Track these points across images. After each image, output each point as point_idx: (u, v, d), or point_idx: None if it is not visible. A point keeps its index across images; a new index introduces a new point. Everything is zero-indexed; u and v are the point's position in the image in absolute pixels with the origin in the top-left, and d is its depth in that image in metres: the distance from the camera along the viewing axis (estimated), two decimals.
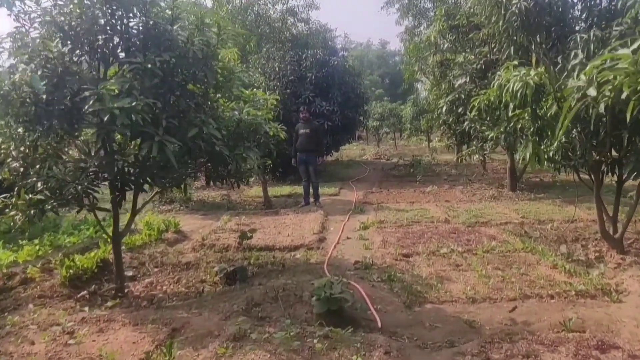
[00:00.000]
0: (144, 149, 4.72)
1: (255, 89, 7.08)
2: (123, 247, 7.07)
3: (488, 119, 9.70)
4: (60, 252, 6.79)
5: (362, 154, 27.52)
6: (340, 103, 14.96)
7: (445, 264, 6.23)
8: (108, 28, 4.94)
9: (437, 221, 8.83)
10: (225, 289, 5.73)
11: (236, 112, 5.89)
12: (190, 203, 11.40)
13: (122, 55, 5.19)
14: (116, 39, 5.07)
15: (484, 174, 15.55)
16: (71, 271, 5.87)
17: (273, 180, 15.42)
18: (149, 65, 4.80)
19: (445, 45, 12.68)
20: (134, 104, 4.46)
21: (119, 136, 5.24)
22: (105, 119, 4.34)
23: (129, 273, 6.40)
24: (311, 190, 11.05)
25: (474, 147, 11.24)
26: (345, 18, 71.66)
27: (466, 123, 10.82)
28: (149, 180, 5.20)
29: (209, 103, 5.79)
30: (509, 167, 12.20)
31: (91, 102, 4.30)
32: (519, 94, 6.27)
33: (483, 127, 10.46)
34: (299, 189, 12.03)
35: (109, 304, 5.16)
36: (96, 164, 4.96)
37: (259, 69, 15.03)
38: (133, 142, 5.40)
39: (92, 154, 5.14)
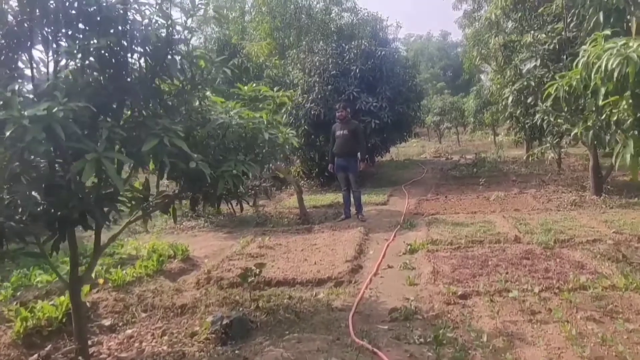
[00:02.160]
0: (74, 171, 3.36)
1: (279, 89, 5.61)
2: (109, 285, 5.81)
3: (566, 109, 7.81)
4: (32, 292, 5.60)
5: (421, 152, 25.59)
6: (389, 98, 13.28)
7: (516, 311, 4.53)
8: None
9: (505, 240, 7.05)
10: (216, 350, 4.32)
11: (222, 115, 4.43)
12: (218, 218, 10.11)
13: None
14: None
15: (560, 174, 13.41)
16: (29, 324, 4.64)
17: (317, 187, 13.95)
18: (78, 55, 3.44)
19: (510, 25, 10.75)
20: (54, 110, 3.10)
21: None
22: (9, 133, 2.99)
23: (107, 322, 5.12)
24: (352, 200, 9.50)
25: (547, 144, 9.29)
26: (403, 9, 69.19)
27: (538, 116, 8.92)
28: (95, 215, 3.81)
29: (192, 105, 4.38)
30: (591, 165, 10.14)
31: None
32: (615, 74, 4.49)
33: (559, 120, 8.57)
34: (341, 198, 10.49)
35: None
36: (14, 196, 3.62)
37: (298, 64, 13.60)
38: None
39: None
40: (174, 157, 3.94)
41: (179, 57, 4.13)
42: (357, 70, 13.06)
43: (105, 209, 3.72)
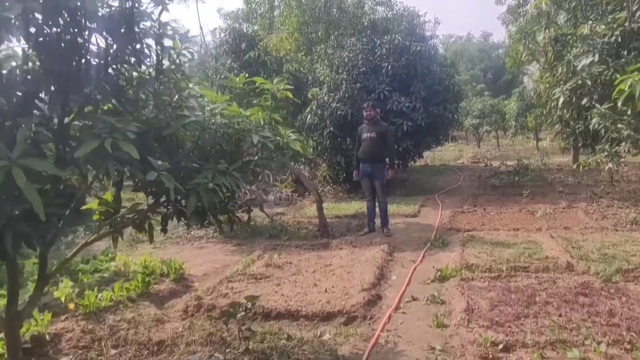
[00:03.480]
0: None
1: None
2: (79, 313, 4.94)
3: (630, 112, 6.61)
4: None
5: (458, 157, 24.25)
6: (423, 98, 12.14)
7: None
8: None
9: (555, 267, 5.89)
10: None
11: (197, 113, 3.48)
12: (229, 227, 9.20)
13: None
14: None
15: (613, 185, 12.03)
16: None
17: (343, 193, 12.91)
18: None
19: (562, 17, 9.50)
20: None
21: None
22: None
23: (66, 359, 4.25)
24: (378, 211, 8.45)
25: (606, 152, 8.03)
26: (443, 8, 67.35)
27: (595, 119, 7.69)
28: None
29: (160, 98, 3.47)
30: None
31: None
32: None
33: (620, 125, 7.34)
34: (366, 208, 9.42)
35: None
36: None
37: (325, 60, 12.61)
38: None
39: None
40: (128, 165, 3.03)
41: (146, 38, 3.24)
42: (389, 67, 11.97)
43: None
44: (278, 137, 3.99)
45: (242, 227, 9.05)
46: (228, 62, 8.62)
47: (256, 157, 3.86)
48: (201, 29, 9.32)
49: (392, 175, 8.27)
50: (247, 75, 8.96)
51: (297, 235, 8.54)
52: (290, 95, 4.40)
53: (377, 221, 8.50)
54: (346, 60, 12.13)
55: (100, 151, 2.74)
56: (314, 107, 11.66)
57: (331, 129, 11.60)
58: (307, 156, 10.99)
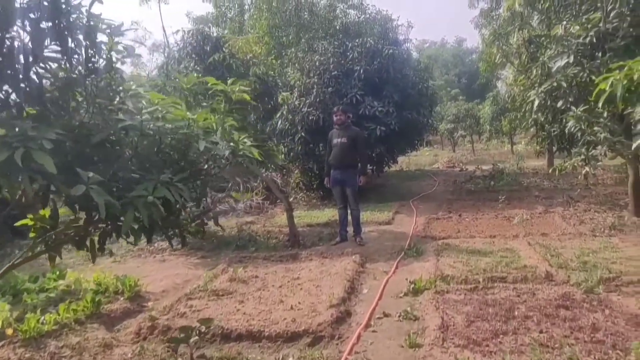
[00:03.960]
0: None
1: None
2: (18, 339, 4.47)
3: (605, 114, 6.39)
4: None
5: (433, 162, 24.07)
6: (397, 102, 11.85)
7: None
8: None
9: (534, 277, 5.60)
10: None
11: (137, 116, 3.08)
12: (195, 238, 8.78)
13: None
14: None
15: (589, 189, 11.90)
16: None
17: (317, 200, 12.54)
18: None
19: (536, 18, 9.30)
20: None
21: None
22: None
23: None
24: (350, 219, 8.11)
25: (582, 156, 7.81)
26: (417, 15, 67.77)
27: (571, 122, 7.47)
28: None
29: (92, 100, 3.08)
30: (631, 182, 8.65)
31: None
32: None
33: (596, 128, 7.14)
34: None
35: None
36: None
37: (296, 64, 12.25)
38: None
39: None
40: (50, 178, 2.64)
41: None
42: (362, 71, 11.65)
43: None
44: (232, 144, 3.61)
45: (207, 238, 8.65)
46: (192, 65, 8.20)
47: (206, 166, 3.48)
48: (164, 31, 8.83)
49: (365, 182, 7.93)
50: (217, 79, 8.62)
51: (266, 246, 8.14)
52: (247, 97, 4.02)
53: (350, 229, 8.15)
54: (317, 64, 11.79)
55: (11, 163, 2.35)
56: (284, 112, 11.28)
57: (303, 134, 11.24)
58: (278, 163, 10.61)
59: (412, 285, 5.45)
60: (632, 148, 6.26)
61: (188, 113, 3.39)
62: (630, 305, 4.68)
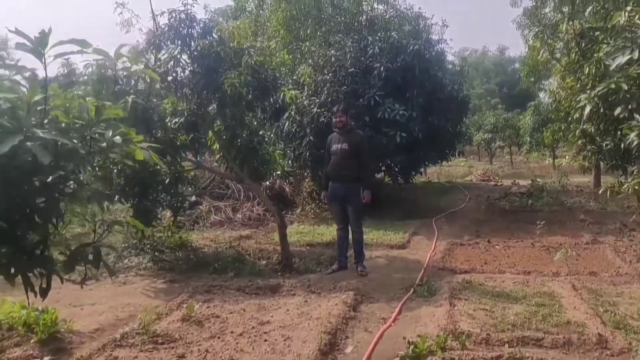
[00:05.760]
0: None
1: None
2: None
3: None
4: None
5: (467, 173, 22.35)
6: (422, 106, 10.38)
7: None
8: None
9: (581, 342, 4.06)
10: None
11: None
12: (171, 255, 7.53)
13: None
14: None
15: None
16: None
17: (327, 212, 11.07)
18: None
19: (589, 9, 7.69)
20: None
21: None
22: None
23: None
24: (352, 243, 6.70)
25: None
26: (459, 23, 65.15)
27: (633, 135, 5.87)
28: None
29: None
30: None
31: None
32: None
33: None
34: None
35: None
36: None
37: (310, 60, 10.91)
38: None
39: None
40: None
41: None
42: (382, 69, 10.20)
43: None
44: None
45: (184, 256, 7.38)
46: (175, 52, 6.93)
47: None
48: (153, 15, 7.74)
49: (368, 200, 6.48)
50: (199, 70, 7.32)
51: (250, 270, 6.77)
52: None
53: (351, 254, 6.74)
54: (332, 59, 10.40)
55: None
56: (292, 113, 9.94)
57: (311, 137, 9.86)
58: (277, 172, 9.29)
59: (412, 347, 3.98)
60: None
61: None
62: None
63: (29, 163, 1.95)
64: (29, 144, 1.87)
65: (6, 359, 3.97)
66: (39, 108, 2.17)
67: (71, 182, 2.17)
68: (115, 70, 4.64)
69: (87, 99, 2.42)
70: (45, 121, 2.26)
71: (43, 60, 2.27)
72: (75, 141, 2.22)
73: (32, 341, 4.27)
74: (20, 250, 2.31)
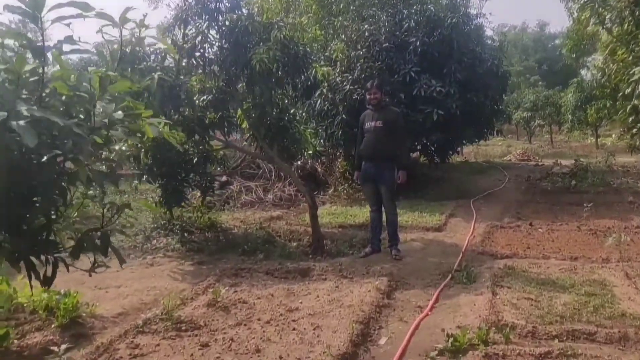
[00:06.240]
0: None
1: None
2: None
3: None
4: None
5: (505, 153, 21.64)
6: (460, 82, 9.91)
7: None
8: None
9: (638, 336, 3.71)
10: None
11: None
12: (200, 236, 7.40)
13: None
14: None
15: None
16: None
17: (361, 193, 10.78)
18: None
19: None
20: None
21: None
22: None
23: None
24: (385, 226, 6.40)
25: None
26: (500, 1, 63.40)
27: None
28: None
29: None
30: None
31: None
32: None
33: None
34: None
35: None
36: None
37: (342, 35, 10.53)
38: None
39: None
40: None
41: None
42: (418, 44, 9.75)
43: None
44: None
45: (213, 237, 7.23)
46: (203, 27, 6.69)
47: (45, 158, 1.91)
48: None
49: (403, 180, 6.16)
50: (227, 45, 7.07)
51: (280, 252, 6.55)
52: None
53: (385, 237, 6.45)
54: (366, 34, 9.99)
55: None
56: (324, 91, 9.62)
57: (344, 116, 9.53)
58: (309, 151, 9.02)
59: (451, 340, 3.69)
60: None
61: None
62: None
63: (18, 143, 1.73)
64: (13, 123, 1.63)
65: (25, 345, 3.84)
66: (33, 79, 1.93)
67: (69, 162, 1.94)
68: (142, 45, 4.41)
69: (94, 69, 2.19)
70: (44, 94, 2.04)
71: (39, 24, 2.03)
72: (76, 118, 1.99)
73: (52, 326, 4.14)
74: (21, 234, 2.11)
